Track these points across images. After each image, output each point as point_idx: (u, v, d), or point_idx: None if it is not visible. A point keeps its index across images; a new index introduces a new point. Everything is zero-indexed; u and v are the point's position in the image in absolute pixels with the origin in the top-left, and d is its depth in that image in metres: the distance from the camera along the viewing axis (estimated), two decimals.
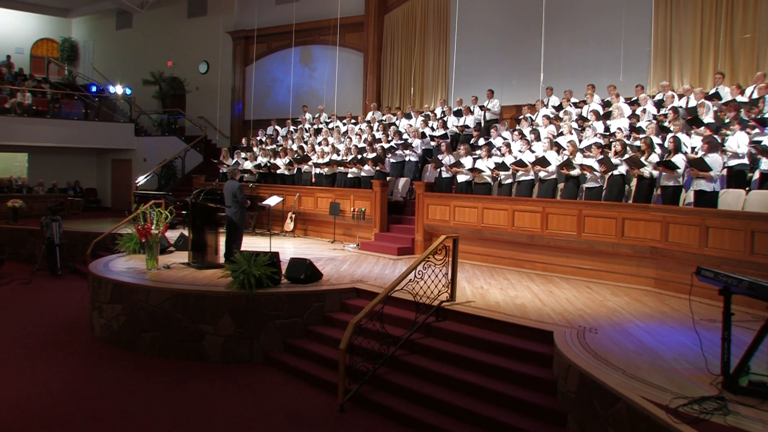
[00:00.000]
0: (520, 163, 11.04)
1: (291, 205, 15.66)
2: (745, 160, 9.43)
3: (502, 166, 11.29)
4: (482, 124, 15.48)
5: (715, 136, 9.67)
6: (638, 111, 12.27)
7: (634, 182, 10.13)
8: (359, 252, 12.87)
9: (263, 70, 23.18)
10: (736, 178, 9.44)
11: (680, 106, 11.88)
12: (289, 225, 15.66)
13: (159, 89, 24.23)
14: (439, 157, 12.88)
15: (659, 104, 12.50)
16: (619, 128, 11.07)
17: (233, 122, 23.69)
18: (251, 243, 13.75)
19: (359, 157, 14.50)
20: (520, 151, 11.66)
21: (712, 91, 11.90)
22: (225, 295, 8.70)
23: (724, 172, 9.64)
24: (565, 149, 11.01)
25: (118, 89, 23.10)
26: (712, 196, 8.83)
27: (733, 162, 9.46)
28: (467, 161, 12.10)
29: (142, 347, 8.98)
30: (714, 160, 8.79)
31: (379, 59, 20.08)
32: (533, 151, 11.56)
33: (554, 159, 10.82)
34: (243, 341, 8.68)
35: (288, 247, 13.51)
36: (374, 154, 14.21)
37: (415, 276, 7.67)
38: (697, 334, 5.76)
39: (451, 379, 6.77)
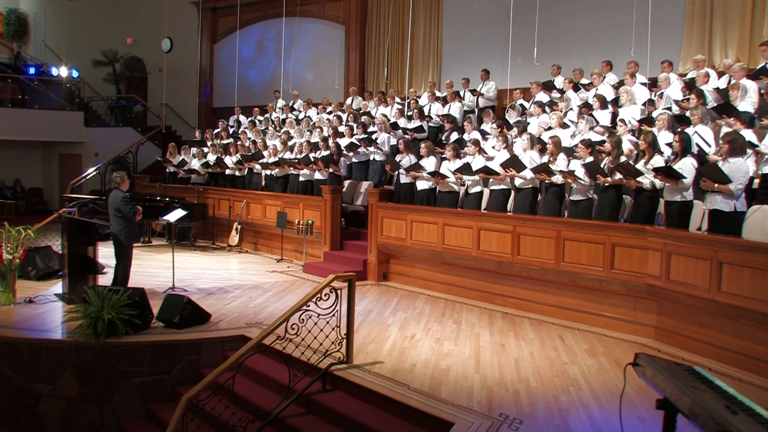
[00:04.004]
0: (487, 170, 9.42)
1: (237, 213, 14.35)
2: None
3: (465, 169, 9.70)
4: (476, 113, 13.87)
5: (745, 133, 7.93)
6: (659, 95, 10.54)
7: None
8: (299, 276, 11.45)
9: (233, 48, 21.90)
10: None
11: (716, 88, 10.13)
12: (234, 238, 14.34)
13: (113, 71, 23.16)
14: (398, 157, 11.37)
15: (691, 86, 10.70)
16: (622, 120, 9.38)
17: (200, 110, 22.50)
18: (178, 262, 12.50)
19: (311, 156, 13.05)
20: (494, 148, 10.06)
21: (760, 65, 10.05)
22: (67, 346, 7.46)
23: (756, 183, 7.91)
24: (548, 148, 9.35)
25: (62, 71, 22.07)
26: (732, 219, 7.09)
27: None
28: (429, 163, 10.55)
29: None
30: (736, 167, 7.04)
31: (362, 33, 18.58)
32: (512, 151, 9.94)
33: (532, 161, 9.19)
34: (90, 406, 7.49)
35: (221, 267, 12.37)
36: (327, 152, 12.75)
37: (286, 330, 6.21)
38: None
39: None
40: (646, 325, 7.84)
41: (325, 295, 6.40)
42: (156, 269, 11.84)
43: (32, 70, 22.28)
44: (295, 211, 12.85)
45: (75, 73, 22.31)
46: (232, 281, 11.00)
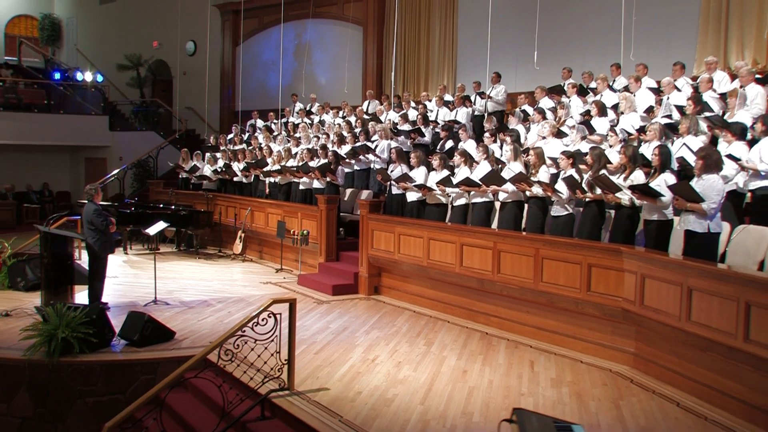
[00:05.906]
0: (468, 182, 9.17)
1: (241, 221, 14.40)
2: None
3: (447, 181, 9.48)
4: (485, 117, 13.56)
5: (736, 145, 7.53)
6: (666, 102, 10.09)
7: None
8: (291, 289, 11.39)
9: (255, 51, 22.05)
10: (762, 208, 7.25)
11: (721, 94, 9.65)
12: (238, 246, 14.39)
13: (137, 75, 23.57)
14: (390, 167, 11.21)
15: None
16: (614, 129, 9.00)
17: (223, 113, 22.72)
18: (176, 271, 12.66)
19: (310, 164, 12.98)
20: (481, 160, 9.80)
21: None
22: (21, 364, 7.56)
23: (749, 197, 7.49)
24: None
25: (87, 76, 22.57)
26: (705, 240, 6.70)
27: (756, 183, 7.27)
28: (418, 174, 10.34)
29: None
30: (709, 184, 6.63)
31: (380, 34, 18.44)
32: (502, 162, 9.68)
33: (512, 173, 8.90)
34: (45, 426, 7.59)
35: (217, 278, 12.42)
36: (325, 160, 12.65)
37: (220, 358, 6.12)
38: None
39: None
40: (624, 351, 7.48)
41: (263, 320, 6.29)
42: (148, 279, 11.90)
43: (57, 75, 22.86)
44: (294, 221, 12.80)
45: (99, 77, 22.79)
46: (220, 293, 11.01)
